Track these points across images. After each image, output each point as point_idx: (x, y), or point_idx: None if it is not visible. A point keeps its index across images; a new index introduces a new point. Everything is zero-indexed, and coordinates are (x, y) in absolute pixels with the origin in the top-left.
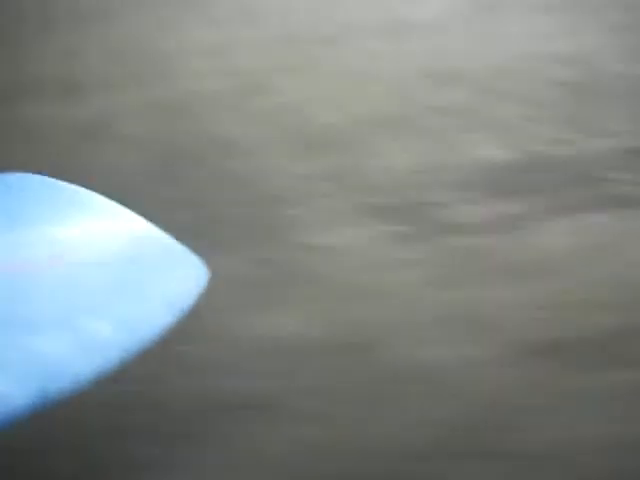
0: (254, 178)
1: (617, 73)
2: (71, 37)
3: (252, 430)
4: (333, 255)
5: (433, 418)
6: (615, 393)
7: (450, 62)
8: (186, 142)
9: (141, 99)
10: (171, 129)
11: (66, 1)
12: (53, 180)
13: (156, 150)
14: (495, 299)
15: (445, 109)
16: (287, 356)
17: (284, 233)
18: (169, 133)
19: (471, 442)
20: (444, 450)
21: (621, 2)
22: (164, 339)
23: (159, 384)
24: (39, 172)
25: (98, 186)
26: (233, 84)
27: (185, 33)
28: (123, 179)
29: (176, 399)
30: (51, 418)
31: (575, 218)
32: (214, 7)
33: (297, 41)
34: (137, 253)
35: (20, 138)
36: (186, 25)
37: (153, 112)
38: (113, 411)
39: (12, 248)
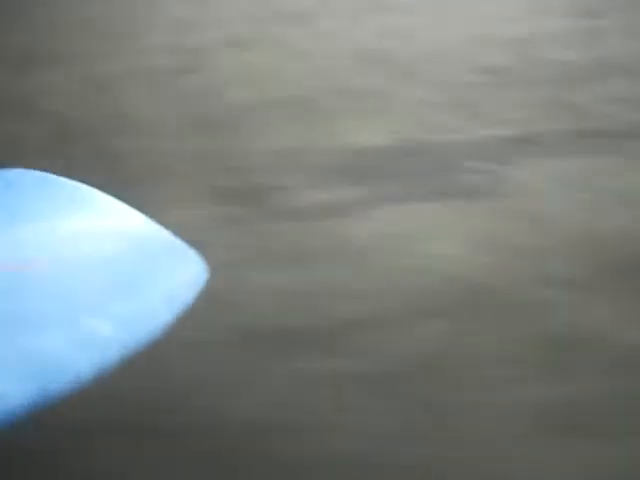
0: (126, 157)
1: (550, 60)
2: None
3: None
4: None
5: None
6: (305, 381)
7: (386, 44)
8: (91, 119)
9: (77, 75)
10: (88, 106)
11: None
12: (53, 176)
13: (58, 126)
14: (264, 284)
15: (353, 92)
16: None
17: None
18: (83, 110)
19: (128, 419)
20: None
21: None
22: None
23: None
24: None
25: None
26: (171, 62)
27: (154, 9)
28: (20, 153)
29: None
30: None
31: (407, 206)
32: None
33: (257, 20)
34: (137, 250)
35: None
36: (158, 1)
37: (81, 89)
38: None
39: (11, 245)
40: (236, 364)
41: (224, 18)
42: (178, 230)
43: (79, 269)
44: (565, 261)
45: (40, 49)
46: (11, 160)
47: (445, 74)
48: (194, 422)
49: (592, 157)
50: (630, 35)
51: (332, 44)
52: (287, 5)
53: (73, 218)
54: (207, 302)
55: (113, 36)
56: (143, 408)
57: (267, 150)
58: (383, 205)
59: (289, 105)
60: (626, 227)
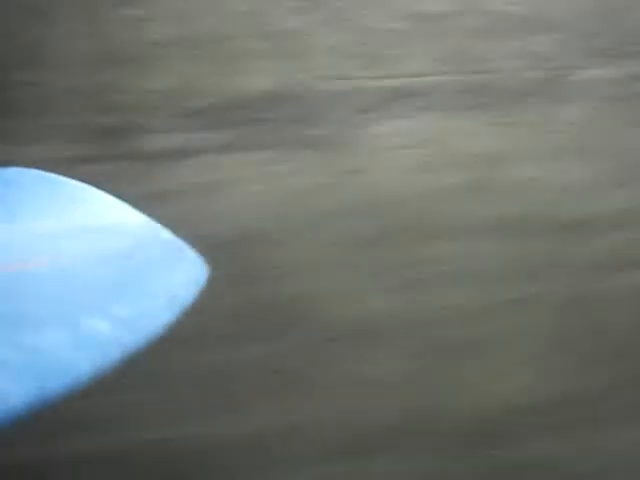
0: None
1: (486, 10)
2: None
3: None
4: None
5: None
6: None
7: None
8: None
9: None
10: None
11: None
12: (53, 175)
13: None
14: None
15: (269, 35)
16: None
17: None
18: None
19: None
20: None
21: None
22: None
23: None
24: None
25: None
26: None
27: None
28: None
29: None
30: None
31: (241, 154)
32: None
33: None
34: (136, 249)
35: None
36: None
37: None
38: None
39: (10, 245)
40: None
41: None
42: (33, 165)
43: (78, 268)
44: (355, 222)
45: None
46: None
47: (372, 21)
48: None
49: (471, 115)
50: None
51: None
52: None
53: (73, 217)
54: None
55: None
56: None
57: (149, 89)
58: (222, 152)
59: (200, 44)
60: (444, 191)
